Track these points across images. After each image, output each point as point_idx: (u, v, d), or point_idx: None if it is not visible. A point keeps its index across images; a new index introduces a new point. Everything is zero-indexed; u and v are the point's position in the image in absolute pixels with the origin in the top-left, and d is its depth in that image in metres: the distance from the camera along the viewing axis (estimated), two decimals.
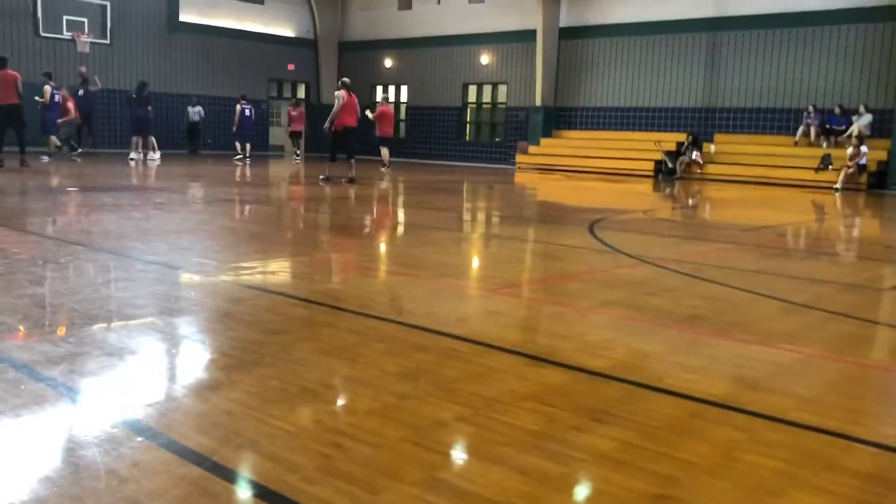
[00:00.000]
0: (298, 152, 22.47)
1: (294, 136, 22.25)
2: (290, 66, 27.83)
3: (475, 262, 6.27)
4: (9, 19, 20.57)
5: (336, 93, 13.56)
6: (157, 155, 18.37)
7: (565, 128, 23.45)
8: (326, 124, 13.64)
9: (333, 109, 13.49)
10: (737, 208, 12.67)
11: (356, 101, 13.89)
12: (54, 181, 12.05)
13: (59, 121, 17.08)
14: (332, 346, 3.24)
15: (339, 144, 13.81)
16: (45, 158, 15.94)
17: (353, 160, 13.83)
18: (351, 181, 13.41)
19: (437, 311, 4.05)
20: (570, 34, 23.01)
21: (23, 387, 2.60)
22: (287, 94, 28.57)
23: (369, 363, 3.01)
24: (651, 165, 20.26)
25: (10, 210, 8.24)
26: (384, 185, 14.75)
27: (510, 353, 3.28)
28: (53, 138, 16.67)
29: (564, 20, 23.13)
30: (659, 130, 21.25)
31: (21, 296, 3.96)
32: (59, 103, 16.84)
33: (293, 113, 22.06)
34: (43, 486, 1.90)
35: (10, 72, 13.37)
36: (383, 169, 17.73)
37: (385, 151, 18.08)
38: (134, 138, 17.81)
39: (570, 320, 4.08)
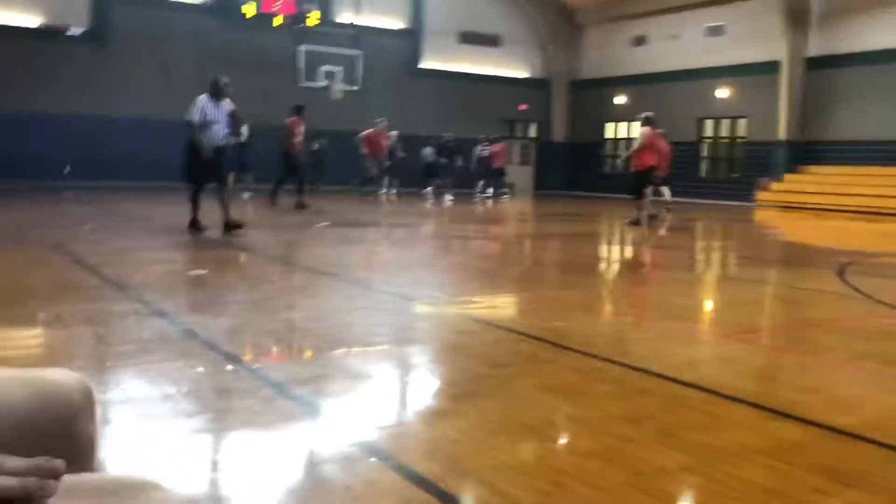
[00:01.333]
0: (505, 190, 22.18)
1: (495, 173, 21.82)
2: (522, 106, 28.52)
3: (708, 305, 6.00)
4: (274, 71, 23.06)
5: (641, 129, 12.53)
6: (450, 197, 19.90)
7: (812, 163, 21.79)
8: (623, 159, 13.10)
9: (634, 146, 12.68)
10: None
11: (661, 139, 12.94)
12: (311, 217, 13.19)
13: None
14: (555, 384, 3.25)
15: (641, 183, 12.59)
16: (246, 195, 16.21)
17: (644, 200, 12.63)
18: (653, 217, 12.65)
19: (664, 354, 3.93)
20: (819, 64, 21.46)
21: (275, 403, 2.88)
22: (519, 133, 29.30)
23: (591, 404, 2.99)
24: None
25: (271, 244, 9.17)
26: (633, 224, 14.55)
27: (743, 403, 3.09)
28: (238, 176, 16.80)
29: (812, 49, 21.64)
30: None
31: (278, 320, 4.40)
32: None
33: (496, 149, 21.67)
34: (290, 496, 2.10)
35: (291, 119, 14.15)
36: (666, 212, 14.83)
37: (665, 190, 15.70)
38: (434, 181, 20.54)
39: (814, 372, 3.77)
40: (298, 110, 14.38)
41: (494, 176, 22.06)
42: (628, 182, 12.87)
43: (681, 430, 2.68)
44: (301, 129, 14.15)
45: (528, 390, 3.13)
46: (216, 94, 8.59)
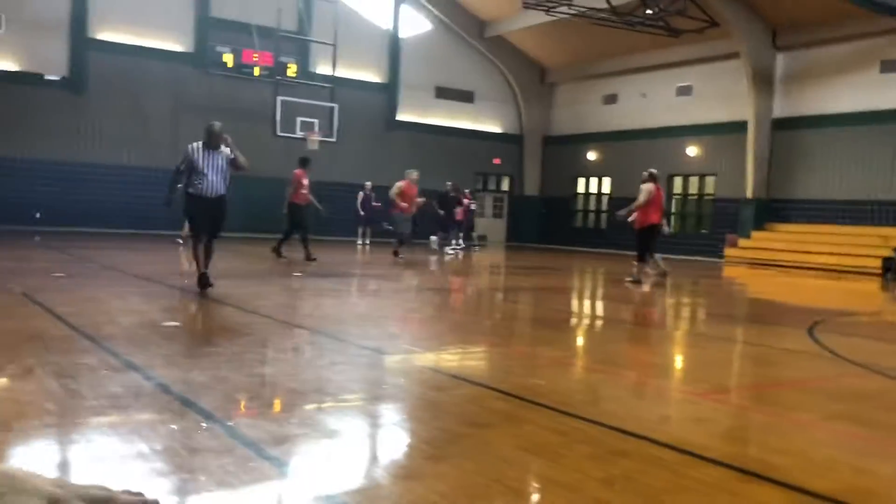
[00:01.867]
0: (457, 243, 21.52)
1: (455, 225, 21.54)
2: (496, 160, 28.91)
3: (680, 363, 6.04)
4: (252, 122, 23.19)
5: (643, 185, 12.19)
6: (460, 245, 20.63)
7: (779, 221, 22.26)
8: (623, 213, 12.81)
9: (637, 202, 12.29)
10: None
11: (663, 195, 12.61)
12: (288, 268, 13.13)
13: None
14: (534, 444, 3.24)
15: (645, 242, 12.43)
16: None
17: (654, 258, 12.61)
18: (663, 275, 12.41)
19: (641, 413, 3.94)
20: (784, 125, 22.09)
21: (250, 464, 2.83)
22: (492, 186, 29.62)
23: (572, 465, 2.98)
24: (878, 262, 18.61)
25: (245, 295, 9.09)
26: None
27: (719, 465, 3.11)
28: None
29: (778, 111, 22.28)
30: (887, 225, 19.58)
31: (252, 375, 4.35)
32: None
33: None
34: None
35: (298, 171, 14.06)
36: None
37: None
38: (439, 233, 20.63)
39: (787, 433, 3.80)
40: (304, 162, 14.31)
41: (454, 228, 22.05)
42: (636, 241, 12.51)
43: (661, 494, 2.68)
44: (306, 181, 14.04)
45: (507, 451, 3.11)
46: (210, 141, 8.05)
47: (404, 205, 16.03)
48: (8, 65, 20.55)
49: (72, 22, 21.13)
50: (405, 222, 16.16)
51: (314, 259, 13.53)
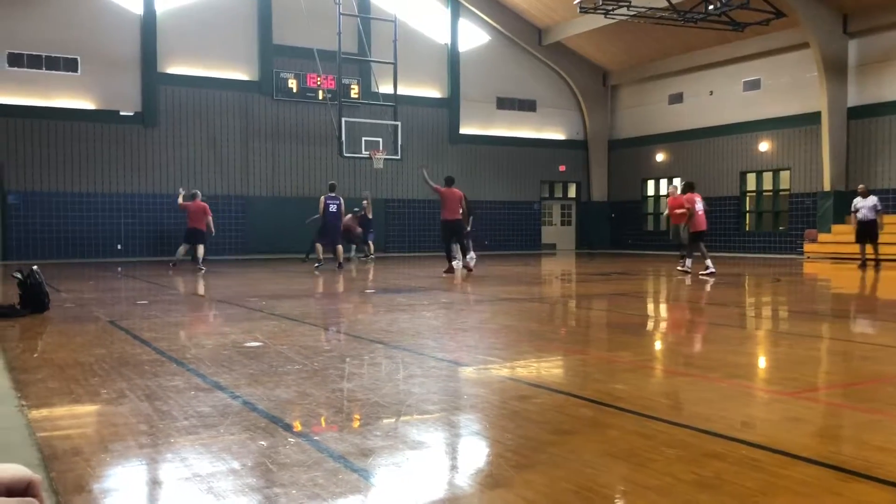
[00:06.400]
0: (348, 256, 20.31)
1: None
2: (562, 168, 28.72)
3: (767, 363, 5.85)
4: (319, 144, 23.67)
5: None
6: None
7: None
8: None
9: None
10: None
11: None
12: (358, 284, 13.33)
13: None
14: (621, 450, 3.18)
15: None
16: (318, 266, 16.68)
17: None
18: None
19: (730, 415, 3.83)
20: (860, 113, 21.30)
21: (339, 476, 2.86)
22: (558, 194, 29.41)
23: (661, 469, 2.91)
24: None
25: (320, 312, 9.24)
26: (662, 278, 14.37)
27: (817, 464, 2.99)
28: (339, 248, 17.04)
29: (853, 99, 21.51)
30: None
31: (334, 390, 4.41)
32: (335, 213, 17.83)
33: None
34: None
35: (457, 190, 14.76)
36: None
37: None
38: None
39: (888, 430, 3.64)
40: (450, 182, 14.94)
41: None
42: None
43: (757, 496, 2.59)
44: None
45: (594, 457, 3.07)
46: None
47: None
48: (86, 104, 21.47)
49: (143, 58, 21.95)
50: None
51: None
